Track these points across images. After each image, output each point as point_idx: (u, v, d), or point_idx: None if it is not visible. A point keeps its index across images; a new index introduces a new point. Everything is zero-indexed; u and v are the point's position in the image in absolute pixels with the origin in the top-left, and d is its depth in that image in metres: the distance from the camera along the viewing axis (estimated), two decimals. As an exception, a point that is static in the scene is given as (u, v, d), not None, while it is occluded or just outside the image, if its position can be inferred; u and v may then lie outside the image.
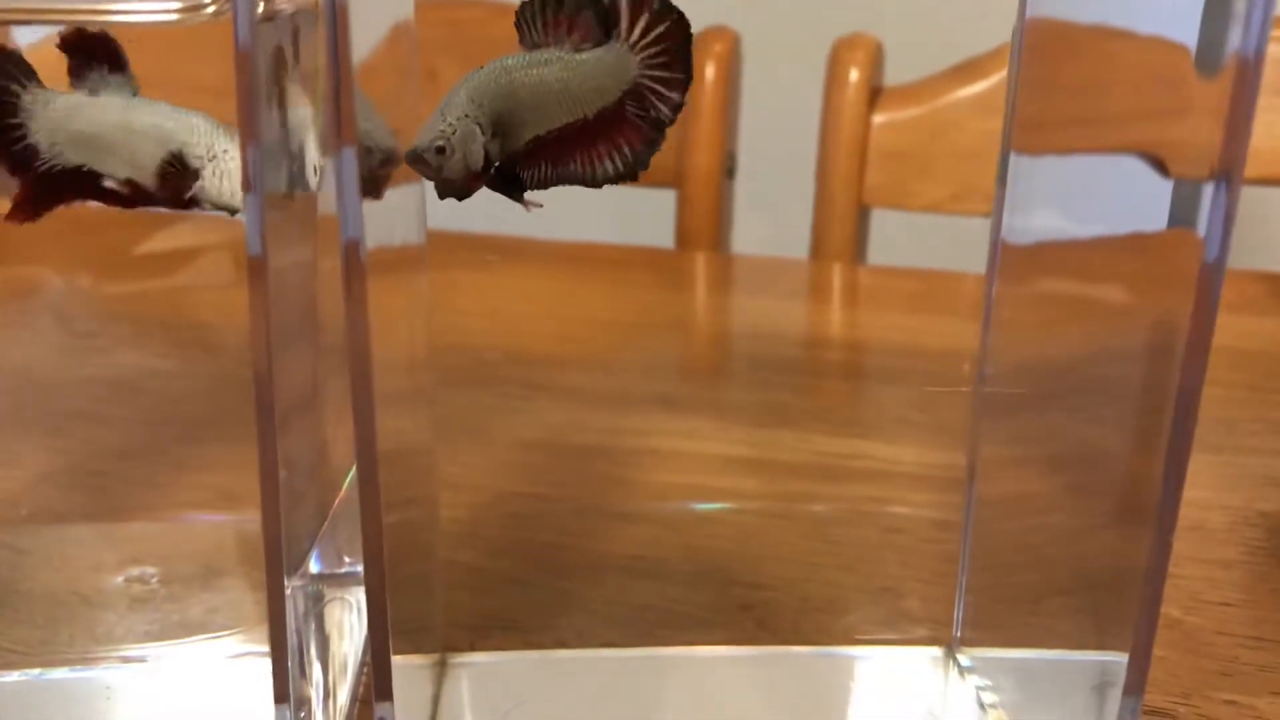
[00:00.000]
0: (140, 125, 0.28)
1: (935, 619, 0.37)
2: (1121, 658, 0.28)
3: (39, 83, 0.28)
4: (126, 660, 0.36)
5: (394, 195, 0.29)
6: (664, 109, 0.28)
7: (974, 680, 0.34)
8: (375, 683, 0.26)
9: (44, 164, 0.28)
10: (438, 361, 0.35)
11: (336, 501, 0.33)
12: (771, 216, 0.85)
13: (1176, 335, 0.26)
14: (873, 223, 0.79)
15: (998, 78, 0.76)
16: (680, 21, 0.27)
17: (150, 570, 0.40)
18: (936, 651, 0.36)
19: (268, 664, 0.35)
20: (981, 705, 0.34)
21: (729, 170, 0.80)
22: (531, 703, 0.34)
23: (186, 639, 0.37)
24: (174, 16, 0.28)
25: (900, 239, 0.81)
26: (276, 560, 0.24)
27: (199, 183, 0.28)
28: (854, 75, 0.78)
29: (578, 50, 0.27)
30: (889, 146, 0.77)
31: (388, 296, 0.28)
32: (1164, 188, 0.28)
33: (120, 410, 0.53)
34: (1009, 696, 0.33)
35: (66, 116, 0.28)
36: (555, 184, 0.28)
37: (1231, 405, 0.56)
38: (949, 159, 0.78)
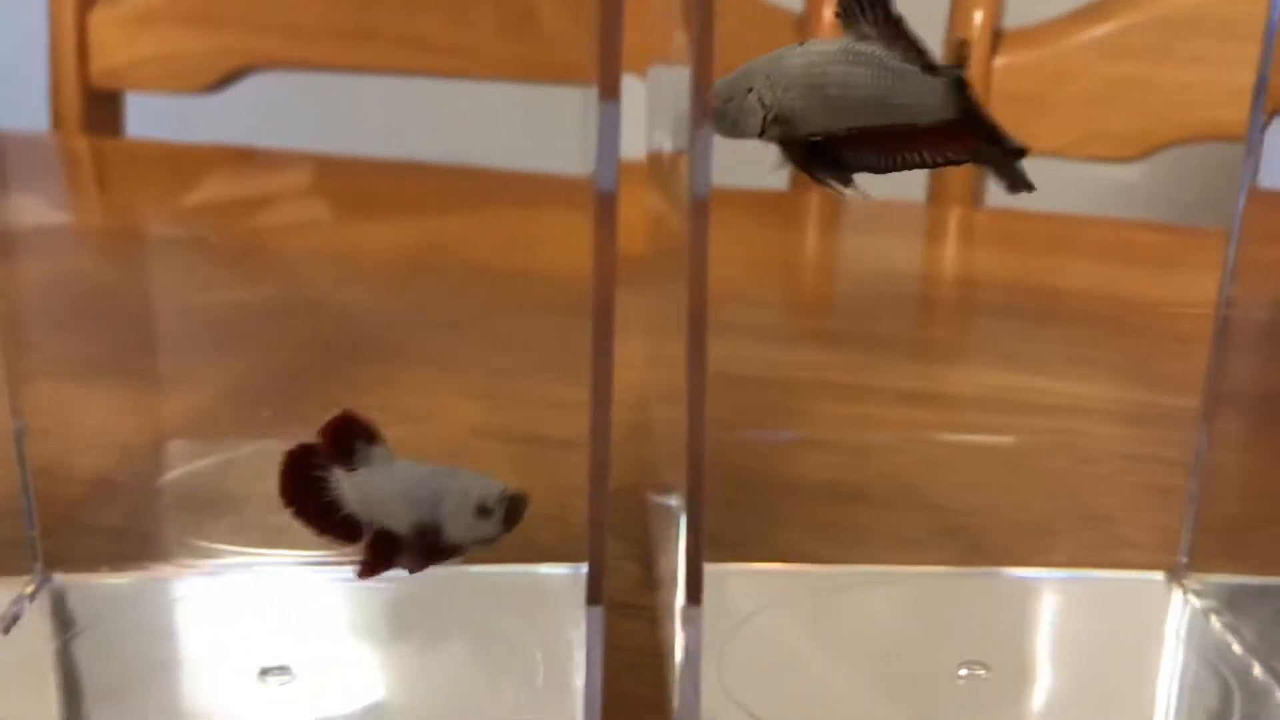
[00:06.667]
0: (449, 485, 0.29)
1: (1152, 545, 0.37)
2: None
3: (334, 463, 0.30)
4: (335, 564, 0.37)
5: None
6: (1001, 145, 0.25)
7: (1201, 603, 0.35)
8: (688, 588, 0.27)
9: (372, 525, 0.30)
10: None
11: None
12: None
13: None
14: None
15: (1123, 21, 0.76)
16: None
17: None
18: (1159, 575, 0.36)
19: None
20: (1212, 628, 0.34)
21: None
22: (766, 610, 0.35)
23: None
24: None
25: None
26: (602, 474, 0.26)
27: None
28: (977, 17, 0.77)
29: (906, 60, 0.25)
30: (1010, 90, 0.77)
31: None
32: None
33: (278, 334, 0.54)
34: (1241, 620, 0.34)
35: (368, 479, 0.30)
36: (891, 170, 0.26)
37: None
38: (1071, 103, 0.77)
